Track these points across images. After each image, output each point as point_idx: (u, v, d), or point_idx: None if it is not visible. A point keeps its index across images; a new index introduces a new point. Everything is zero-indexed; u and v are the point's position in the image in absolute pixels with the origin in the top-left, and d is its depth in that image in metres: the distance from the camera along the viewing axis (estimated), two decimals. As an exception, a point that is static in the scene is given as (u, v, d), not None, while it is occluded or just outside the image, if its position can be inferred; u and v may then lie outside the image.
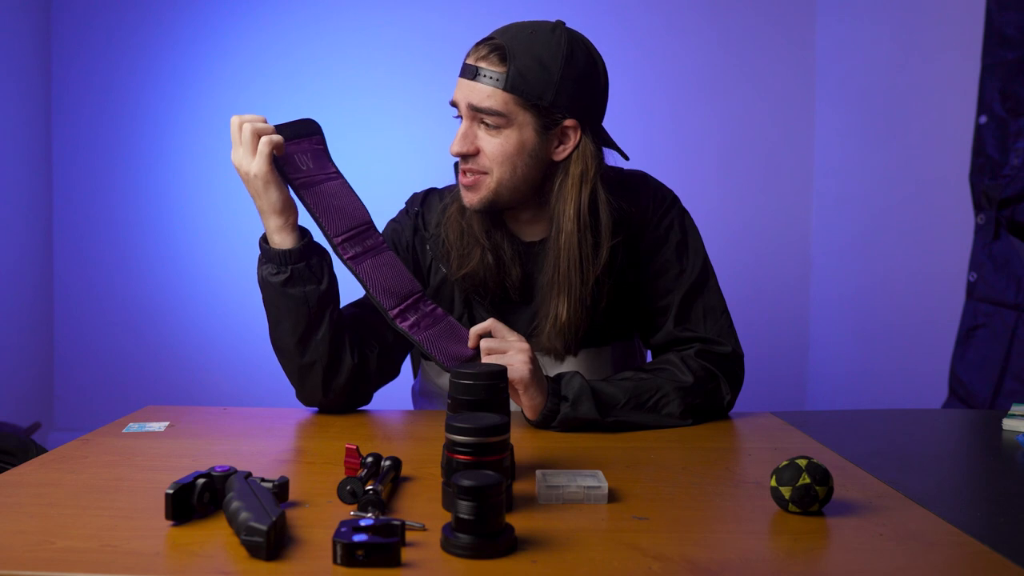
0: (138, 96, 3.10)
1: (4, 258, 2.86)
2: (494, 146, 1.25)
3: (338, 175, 1.28)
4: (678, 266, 1.36)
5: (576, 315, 1.29)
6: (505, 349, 1.20)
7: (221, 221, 3.10)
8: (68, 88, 3.11)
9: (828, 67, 2.98)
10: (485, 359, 1.20)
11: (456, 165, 1.41)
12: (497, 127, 1.24)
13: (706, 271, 1.37)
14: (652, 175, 1.44)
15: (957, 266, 2.10)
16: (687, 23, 3.05)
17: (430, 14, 3.03)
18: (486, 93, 1.23)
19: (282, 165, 1.20)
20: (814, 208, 3.06)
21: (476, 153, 1.26)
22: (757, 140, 3.06)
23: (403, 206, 1.46)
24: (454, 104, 1.29)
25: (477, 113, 1.24)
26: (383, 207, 1.53)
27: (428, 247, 1.39)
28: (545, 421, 1.22)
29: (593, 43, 1.30)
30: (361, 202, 1.29)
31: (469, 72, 1.25)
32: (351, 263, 1.21)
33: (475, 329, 1.24)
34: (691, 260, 1.36)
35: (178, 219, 3.11)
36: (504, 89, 1.22)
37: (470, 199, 1.29)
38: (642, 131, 2.98)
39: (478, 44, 1.27)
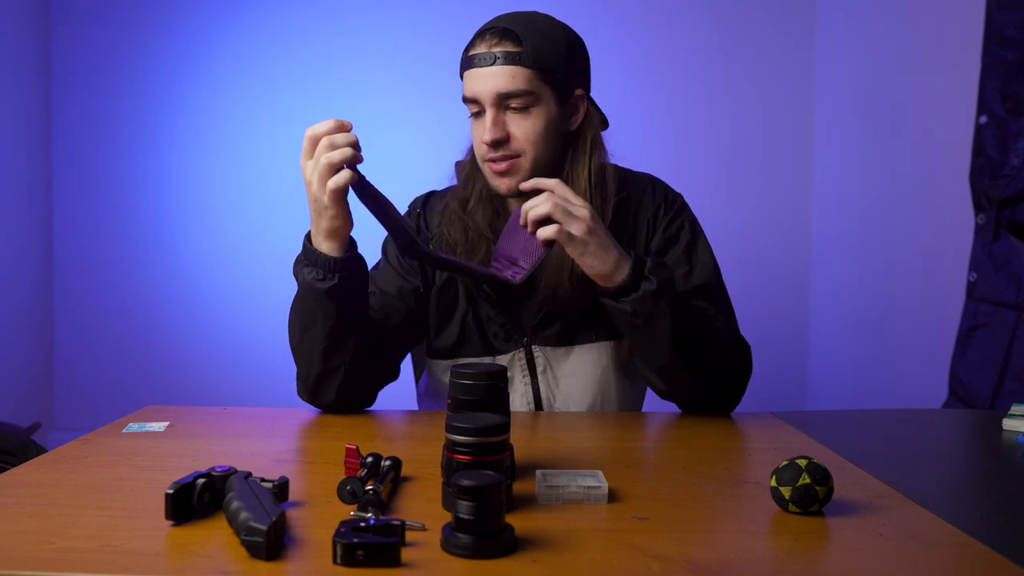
0: (138, 96, 3.10)
1: (4, 258, 2.86)
2: (525, 127, 1.27)
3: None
4: (687, 265, 1.37)
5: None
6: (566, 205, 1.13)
7: (221, 221, 3.10)
8: (68, 88, 3.11)
9: (828, 67, 2.98)
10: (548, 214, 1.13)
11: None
12: (525, 108, 1.26)
13: (717, 272, 1.39)
14: (653, 174, 1.46)
15: (957, 266, 2.10)
16: (687, 23, 3.05)
17: (431, 14, 3.03)
18: (511, 74, 1.24)
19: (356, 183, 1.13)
20: (814, 208, 3.06)
21: (507, 139, 1.27)
22: (757, 140, 3.06)
23: (405, 209, 1.47)
24: (472, 99, 1.28)
25: (505, 99, 1.25)
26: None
27: (432, 247, 1.39)
28: (618, 293, 1.17)
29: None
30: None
31: (486, 60, 1.25)
32: (446, 257, 1.21)
33: (526, 208, 1.14)
34: (701, 260, 1.38)
35: (178, 219, 3.12)
36: (527, 66, 1.24)
37: (507, 184, 1.29)
38: (643, 131, 2.98)
39: (481, 35, 1.28)
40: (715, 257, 1.40)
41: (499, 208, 1.38)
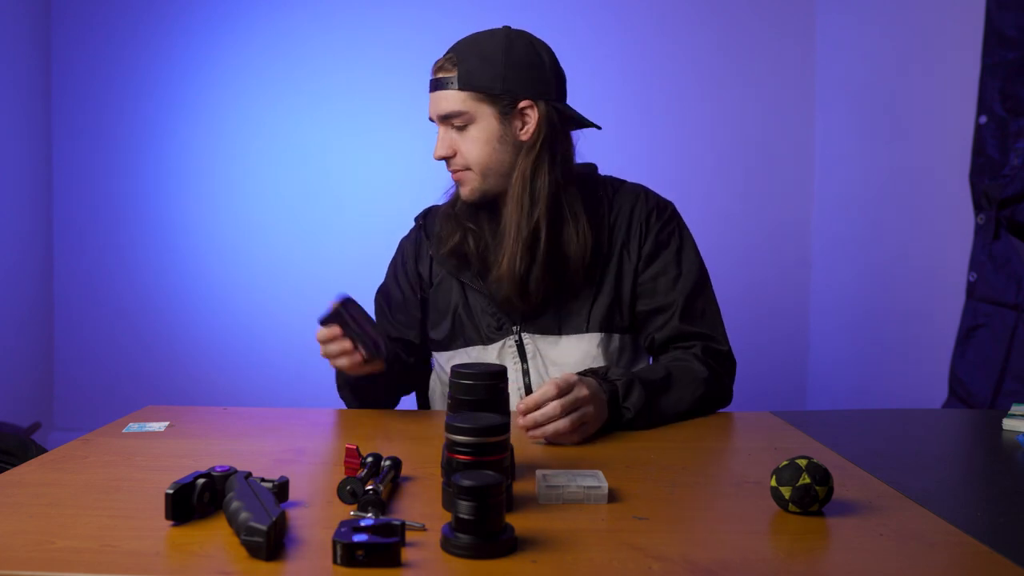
0: (138, 96, 3.09)
1: (4, 258, 2.86)
2: (466, 143, 1.39)
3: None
4: (677, 269, 1.44)
5: (524, 264, 1.37)
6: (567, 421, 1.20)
7: (221, 221, 3.10)
8: (68, 88, 3.11)
9: (828, 67, 2.98)
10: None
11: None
12: (464, 126, 1.38)
13: (705, 276, 1.48)
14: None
15: (957, 266, 2.10)
16: (687, 23, 3.05)
17: (431, 13, 3.03)
18: (445, 97, 1.38)
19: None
20: (814, 208, 3.06)
21: (454, 155, 1.40)
22: (757, 140, 3.06)
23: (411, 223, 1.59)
24: (432, 119, 1.42)
25: (446, 119, 1.38)
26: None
27: (429, 252, 1.50)
28: (605, 428, 1.26)
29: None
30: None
31: (432, 86, 1.40)
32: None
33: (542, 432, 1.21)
34: (690, 265, 1.46)
35: (178, 219, 3.11)
36: (459, 88, 1.36)
37: (464, 192, 1.43)
38: (643, 131, 2.98)
39: (437, 61, 1.41)
40: (703, 261, 1.47)
41: (485, 206, 1.46)
